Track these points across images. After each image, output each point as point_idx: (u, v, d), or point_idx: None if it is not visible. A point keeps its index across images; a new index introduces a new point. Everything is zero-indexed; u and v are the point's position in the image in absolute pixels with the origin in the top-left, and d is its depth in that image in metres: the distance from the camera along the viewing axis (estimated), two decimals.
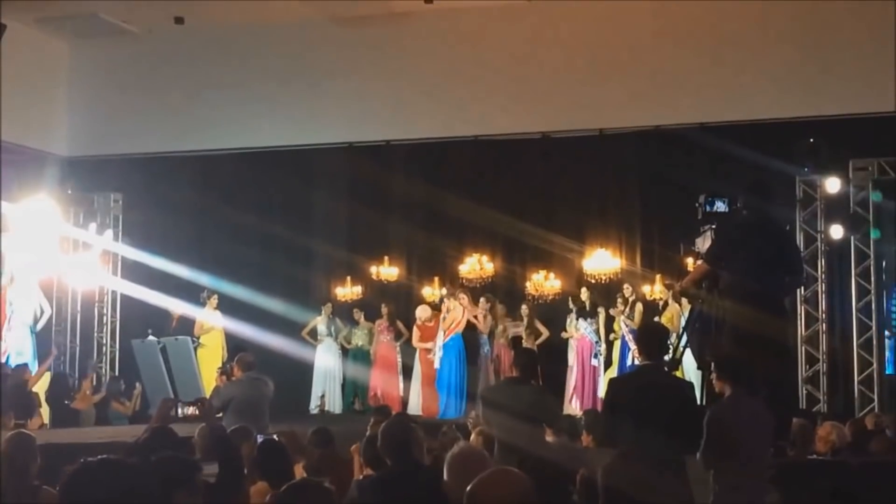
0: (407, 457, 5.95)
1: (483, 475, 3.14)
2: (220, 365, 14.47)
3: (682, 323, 12.52)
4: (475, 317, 15.63)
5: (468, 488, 3.08)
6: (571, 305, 15.71)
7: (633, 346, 14.45)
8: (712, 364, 7.04)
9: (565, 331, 15.71)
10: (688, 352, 9.90)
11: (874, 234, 14.42)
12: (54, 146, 17.27)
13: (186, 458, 5.07)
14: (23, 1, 14.25)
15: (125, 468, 2.97)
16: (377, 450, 6.37)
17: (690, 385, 7.08)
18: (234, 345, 14.79)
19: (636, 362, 14.10)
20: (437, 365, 15.36)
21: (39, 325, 15.67)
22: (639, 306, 15.08)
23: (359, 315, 16.84)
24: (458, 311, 15.48)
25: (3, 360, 14.51)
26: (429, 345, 15.61)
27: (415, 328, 15.97)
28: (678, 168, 14.84)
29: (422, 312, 15.89)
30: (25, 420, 12.13)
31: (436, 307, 16.08)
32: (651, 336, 7.05)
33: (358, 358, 16.67)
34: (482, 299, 15.76)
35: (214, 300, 16.06)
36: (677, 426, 6.15)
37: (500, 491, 3.05)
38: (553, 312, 15.95)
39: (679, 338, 8.76)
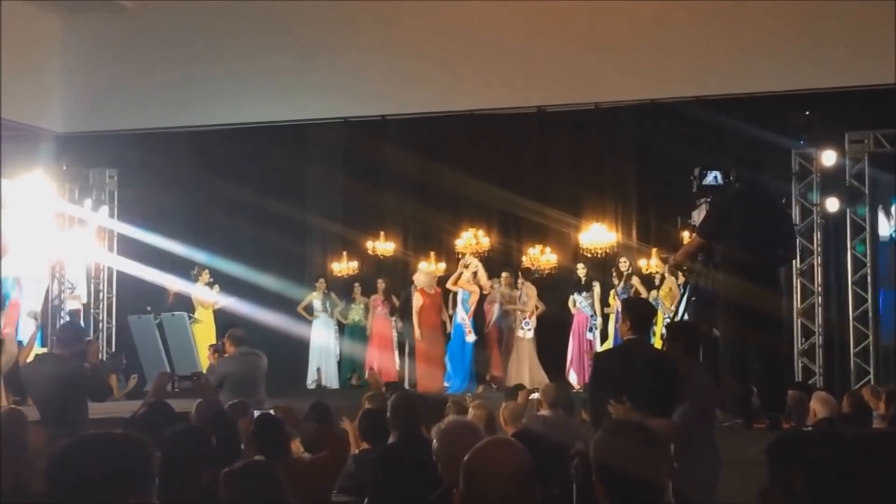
0: (411, 430, 5.98)
1: (479, 445, 3.11)
2: (213, 342, 14.44)
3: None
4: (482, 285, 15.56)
5: (465, 459, 3.07)
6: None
7: None
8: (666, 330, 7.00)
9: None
10: None
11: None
12: (49, 122, 17.21)
13: (200, 430, 5.06)
14: None
15: (117, 442, 2.95)
16: (372, 424, 6.40)
17: (673, 359, 7.09)
18: (228, 321, 14.75)
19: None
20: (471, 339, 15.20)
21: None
22: (635, 279, 15.07)
23: (356, 290, 16.82)
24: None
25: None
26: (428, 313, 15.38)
27: (418, 295, 15.33)
28: (674, 141, 14.82)
29: (422, 276, 15.57)
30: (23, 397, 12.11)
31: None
32: (634, 311, 7.05)
33: (354, 333, 16.67)
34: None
35: (206, 275, 16.04)
36: (660, 399, 6.17)
37: (497, 461, 3.03)
38: (549, 287, 15.95)
39: (676, 311, 8.76)
